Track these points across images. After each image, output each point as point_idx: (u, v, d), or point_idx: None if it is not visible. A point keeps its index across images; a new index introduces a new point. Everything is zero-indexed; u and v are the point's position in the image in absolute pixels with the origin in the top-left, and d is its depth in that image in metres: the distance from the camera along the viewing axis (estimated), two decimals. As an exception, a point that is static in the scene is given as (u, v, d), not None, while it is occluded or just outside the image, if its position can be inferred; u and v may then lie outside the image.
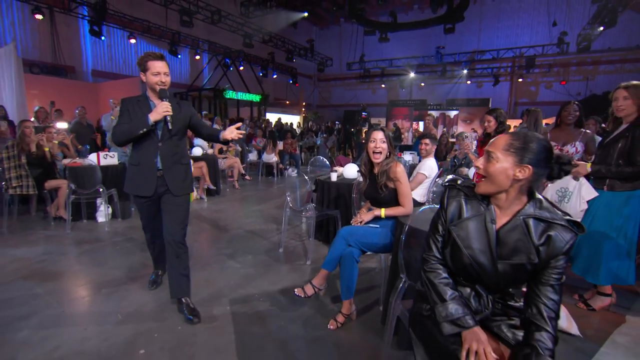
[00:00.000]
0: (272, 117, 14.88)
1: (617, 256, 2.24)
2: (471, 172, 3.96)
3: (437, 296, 1.15)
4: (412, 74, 16.38)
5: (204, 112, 10.93)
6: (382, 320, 2.16)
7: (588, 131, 2.95)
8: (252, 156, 8.49)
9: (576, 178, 2.32)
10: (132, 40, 11.41)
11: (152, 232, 2.30)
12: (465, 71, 15.21)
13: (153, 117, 2.00)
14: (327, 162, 4.52)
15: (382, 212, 2.21)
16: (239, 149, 8.41)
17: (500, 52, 14.37)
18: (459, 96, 15.59)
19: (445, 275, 1.19)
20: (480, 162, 1.16)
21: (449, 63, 15.48)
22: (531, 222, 1.11)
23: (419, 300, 1.31)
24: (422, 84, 17.17)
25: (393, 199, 2.23)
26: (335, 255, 2.09)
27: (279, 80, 18.73)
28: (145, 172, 2.08)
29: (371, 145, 2.25)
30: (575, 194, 2.35)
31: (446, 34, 11.41)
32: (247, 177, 7.78)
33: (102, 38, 10.46)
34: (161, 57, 2.04)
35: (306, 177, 3.50)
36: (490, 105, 13.16)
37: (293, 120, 16.61)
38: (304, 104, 18.05)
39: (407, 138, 13.63)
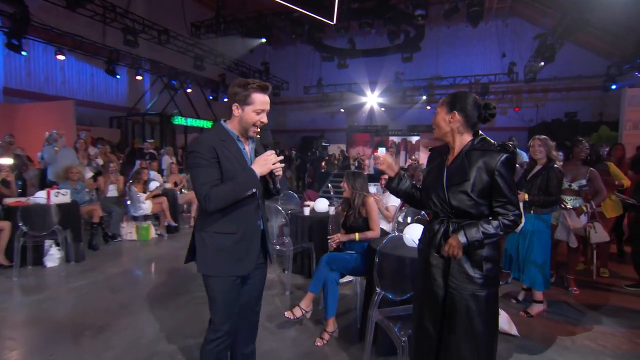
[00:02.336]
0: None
1: (534, 265, 3.26)
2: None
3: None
4: (372, 99, 18.08)
5: (148, 140, 11.18)
6: (360, 336, 2.84)
7: (593, 169, 3.83)
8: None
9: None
10: (60, 57, 11.08)
11: (232, 325, 1.85)
12: (424, 97, 17.20)
13: (260, 170, 1.73)
14: (297, 196, 5.25)
15: (357, 236, 2.99)
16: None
17: (457, 79, 16.60)
18: (420, 122, 17.46)
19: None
20: (433, 118, 1.82)
21: (408, 88, 17.44)
22: (471, 153, 1.67)
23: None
24: (382, 109, 18.95)
25: (365, 227, 3.03)
26: (320, 278, 2.79)
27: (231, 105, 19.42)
28: (249, 241, 1.81)
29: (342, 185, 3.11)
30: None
31: (404, 62, 13.13)
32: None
33: (23, 53, 9.92)
34: (268, 89, 1.79)
35: (281, 209, 4.17)
36: (450, 131, 14.98)
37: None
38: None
39: (369, 166, 14.90)
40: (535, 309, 3.35)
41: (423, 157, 14.74)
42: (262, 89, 1.76)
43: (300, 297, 3.64)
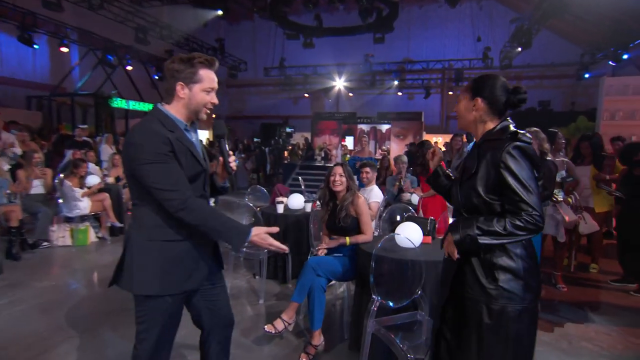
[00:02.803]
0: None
1: None
2: (414, 198, 4.96)
3: None
4: (339, 83, 18.07)
5: (80, 126, 10.39)
6: (350, 345, 2.78)
7: (568, 160, 4.22)
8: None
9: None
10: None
11: (169, 348, 1.74)
12: (396, 82, 17.46)
13: (256, 241, 1.62)
14: (265, 191, 5.07)
15: (347, 240, 2.90)
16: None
17: (430, 64, 17.00)
18: (390, 109, 17.72)
19: None
20: (456, 106, 1.78)
21: (378, 72, 17.60)
22: (483, 144, 1.62)
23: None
24: (351, 94, 19.02)
25: (355, 228, 2.95)
26: (306, 285, 2.68)
27: (178, 86, 18.61)
28: (201, 248, 1.69)
29: (331, 179, 3.00)
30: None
31: (375, 44, 13.19)
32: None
33: None
34: (215, 64, 1.68)
35: (252, 205, 4.00)
36: (423, 119, 15.37)
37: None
38: (213, 115, 18.24)
39: (336, 156, 14.92)
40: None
41: (394, 147, 14.99)
42: (210, 64, 1.65)
43: (276, 306, 3.54)
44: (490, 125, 1.67)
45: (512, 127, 1.61)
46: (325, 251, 2.94)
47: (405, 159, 5.56)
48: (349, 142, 16.68)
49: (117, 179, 6.84)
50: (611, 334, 3.19)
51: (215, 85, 1.68)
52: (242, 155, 13.83)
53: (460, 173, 1.74)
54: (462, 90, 1.73)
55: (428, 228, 2.97)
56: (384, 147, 15.96)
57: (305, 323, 3.03)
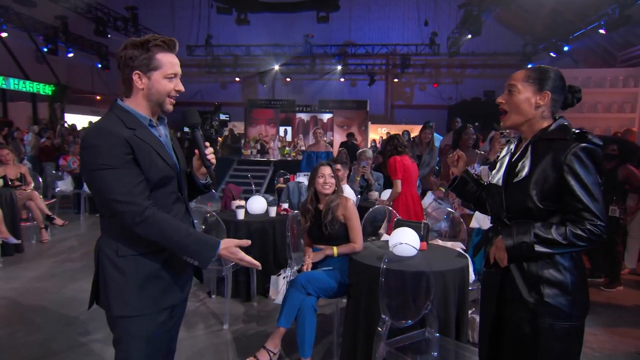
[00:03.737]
0: (75, 121, 13.48)
1: None
2: (385, 194, 5.00)
3: None
4: (275, 67, 17.82)
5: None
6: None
7: (482, 152, 4.44)
8: (64, 185, 7.68)
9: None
10: None
11: None
12: (339, 67, 17.66)
13: (226, 256, 1.60)
14: (215, 193, 4.79)
15: (335, 250, 2.80)
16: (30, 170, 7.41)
17: (376, 48, 17.43)
18: (331, 96, 17.90)
19: None
20: (500, 98, 1.68)
21: (318, 55, 17.66)
22: (539, 143, 1.59)
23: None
24: (288, 80, 18.88)
25: (343, 235, 2.86)
26: (294, 307, 2.55)
27: (79, 63, 17.07)
28: (180, 261, 1.62)
29: (320, 181, 2.87)
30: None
31: (319, 23, 13.18)
32: (56, 220, 6.83)
33: None
34: (175, 46, 1.63)
35: (210, 210, 3.73)
36: (368, 108, 15.74)
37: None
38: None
39: (274, 149, 14.71)
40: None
41: (337, 138, 15.16)
42: (168, 47, 1.60)
43: (245, 330, 3.36)
44: (545, 123, 1.64)
45: (573, 128, 1.60)
46: (311, 265, 2.81)
47: (370, 153, 5.59)
48: (286, 132, 16.57)
49: (4, 180, 5.99)
50: (596, 333, 3.48)
51: (178, 70, 1.62)
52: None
53: (505, 175, 1.70)
54: (522, 79, 1.64)
55: (422, 233, 2.98)
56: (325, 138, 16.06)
57: (288, 349, 2.89)
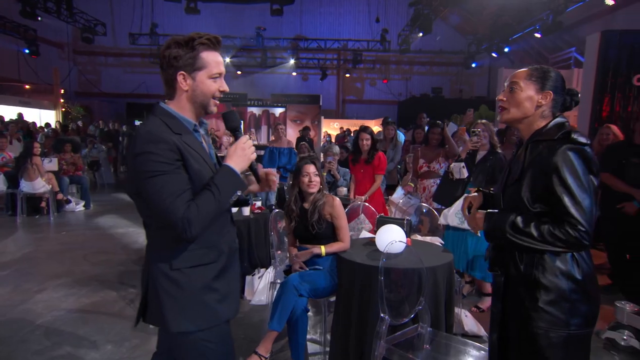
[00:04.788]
0: (2, 112, 12.35)
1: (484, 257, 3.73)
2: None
3: None
4: (226, 59, 17.34)
5: None
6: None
7: (446, 147, 4.61)
8: (-4, 184, 7.04)
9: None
10: None
11: None
12: (292, 60, 17.52)
13: (240, 165, 1.53)
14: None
15: (323, 249, 2.77)
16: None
17: (328, 43, 17.47)
18: (283, 90, 17.75)
19: None
20: (502, 94, 1.69)
21: (270, 48, 17.41)
22: (533, 145, 1.59)
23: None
24: (239, 73, 18.46)
25: (330, 234, 2.84)
26: (287, 309, 2.49)
27: (2, 47, 15.61)
28: (232, 267, 1.62)
29: (304, 180, 2.84)
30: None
31: (272, 15, 12.98)
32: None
33: None
34: (219, 43, 1.57)
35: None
36: (320, 103, 15.76)
37: (46, 117, 14.33)
38: (62, 91, 15.81)
39: (226, 145, 14.32)
40: (486, 302, 3.83)
41: (290, 133, 15.07)
42: (213, 44, 1.54)
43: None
44: (543, 122, 1.64)
45: (567, 125, 1.59)
46: (303, 266, 2.77)
47: (337, 149, 5.60)
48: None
49: None
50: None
51: (223, 70, 1.57)
52: (108, 144, 12.30)
53: (505, 177, 1.73)
54: (524, 77, 1.64)
55: (405, 229, 3.03)
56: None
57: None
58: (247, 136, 1.60)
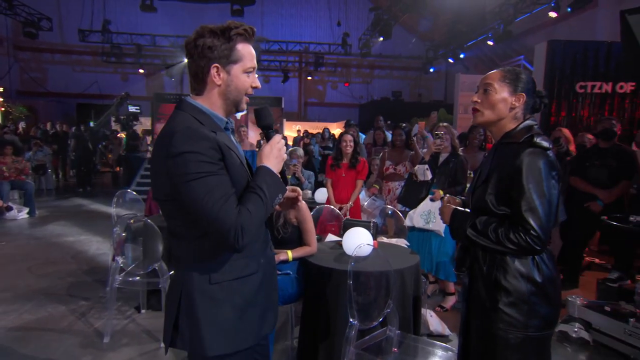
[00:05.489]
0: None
1: (448, 257, 3.78)
2: (319, 195, 4.97)
3: None
4: (185, 60, 16.89)
5: None
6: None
7: (413, 152, 4.68)
8: None
9: (433, 200, 3.69)
10: None
11: None
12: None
13: (277, 166, 1.41)
14: (141, 199, 4.34)
15: (290, 255, 2.70)
16: None
17: (290, 45, 17.41)
18: (245, 92, 17.57)
19: None
20: (475, 96, 1.68)
21: (230, 49, 17.13)
22: (499, 147, 1.62)
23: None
24: (198, 73, 18.05)
25: (296, 239, 2.78)
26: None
27: None
28: (270, 279, 1.51)
29: None
30: (437, 214, 3.73)
31: (233, 16, 12.76)
32: None
33: None
34: (254, 34, 1.44)
35: (148, 218, 3.39)
36: (282, 105, 15.68)
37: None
38: (0, 89, 14.82)
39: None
40: (450, 301, 3.90)
41: (252, 135, 14.87)
42: (250, 36, 1.41)
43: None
44: (512, 125, 1.64)
45: (535, 128, 1.60)
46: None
47: (301, 152, 5.54)
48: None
49: None
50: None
51: (256, 64, 1.44)
52: (52, 147, 11.58)
53: (476, 178, 1.74)
54: (498, 78, 1.63)
55: (372, 232, 3.02)
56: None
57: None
58: (281, 135, 1.50)
